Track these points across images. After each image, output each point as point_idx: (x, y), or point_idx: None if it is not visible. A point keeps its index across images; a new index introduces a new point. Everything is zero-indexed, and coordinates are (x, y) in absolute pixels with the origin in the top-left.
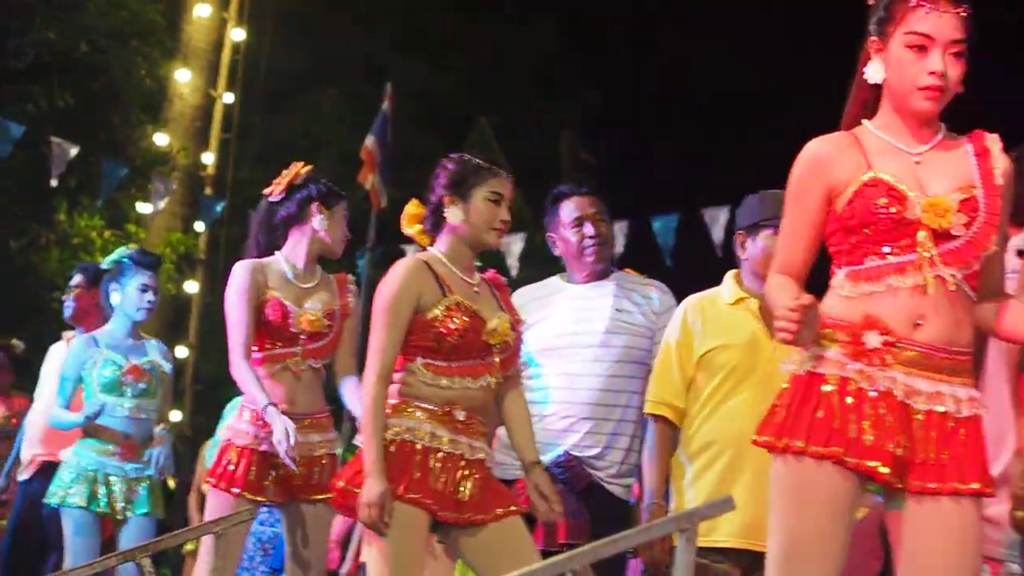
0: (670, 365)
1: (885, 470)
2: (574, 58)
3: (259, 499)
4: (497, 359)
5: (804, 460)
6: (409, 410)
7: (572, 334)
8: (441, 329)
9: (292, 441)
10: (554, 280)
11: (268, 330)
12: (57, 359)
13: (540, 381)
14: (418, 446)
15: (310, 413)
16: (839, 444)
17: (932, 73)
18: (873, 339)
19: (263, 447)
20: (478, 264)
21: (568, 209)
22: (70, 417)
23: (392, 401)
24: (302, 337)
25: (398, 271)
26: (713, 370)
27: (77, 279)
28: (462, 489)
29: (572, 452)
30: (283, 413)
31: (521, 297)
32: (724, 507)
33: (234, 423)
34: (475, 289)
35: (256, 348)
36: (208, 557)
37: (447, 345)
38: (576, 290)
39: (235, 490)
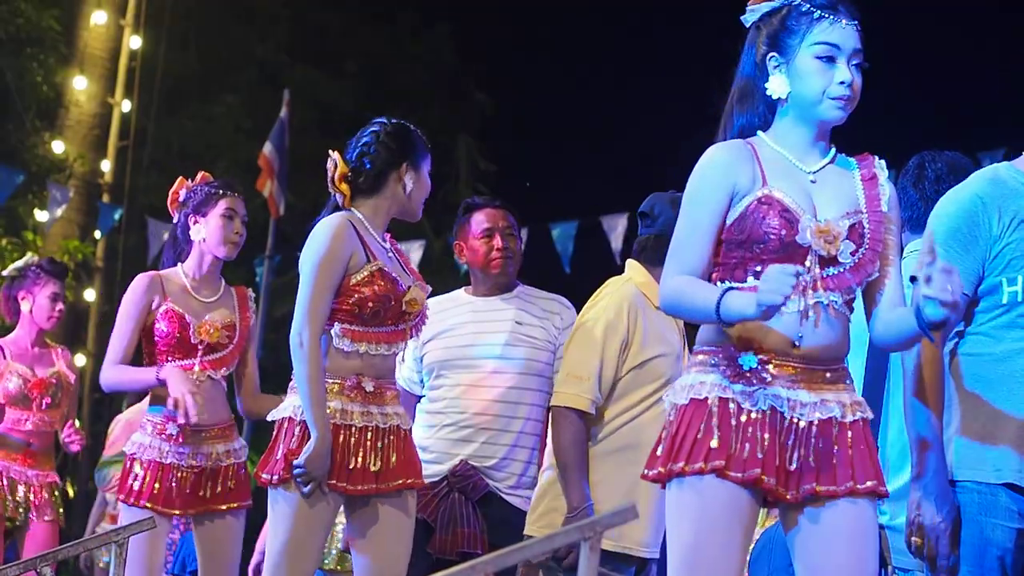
0: (601, 360)
1: (770, 480)
2: (470, 65)
3: (170, 512)
4: (409, 326)
5: (688, 480)
6: None
7: (472, 345)
8: (364, 294)
9: (191, 401)
10: (459, 293)
11: (166, 342)
12: None
13: (441, 392)
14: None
15: (214, 424)
16: (720, 459)
17: (842, 83)
18: (749, 360)
19: (168, 460)
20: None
21: (478, 220)
22: None
23: None
24: (200, 348)
25: (330, 230)
26: (648, 378)
27: None
28: (378, 462)
29: (469, 462)
30: (184, 426)
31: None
32: (627, 515)
33: (138, 437)
34: (389, 254)
35: (158, 360)
36: (112, 568)
37: (368, 312)
38: (479, 302)
39: (143, 503)
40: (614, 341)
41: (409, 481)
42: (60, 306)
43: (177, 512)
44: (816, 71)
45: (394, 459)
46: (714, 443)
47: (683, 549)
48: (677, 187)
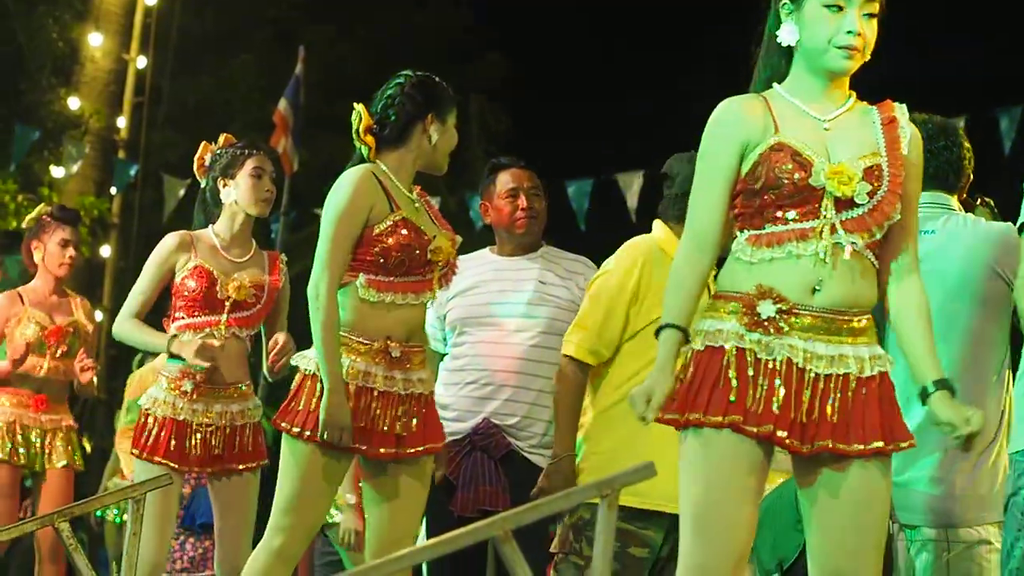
0: (612, 314)
1: (783, 433)
2: (484, 23)
3: (183, 468)
4: (436, 276)
5: (706, 431)
6: (343, 346)
7: (496, 304)
8: (388, 243)
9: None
10: (484, 252)
11: (193, 298)
12: None
13: (463, 350)
14: (351, 387)
15: (233, 383)
16: (737, 413)
17: (849, 32)
18: (767, 308)
19: (181, 416)
20: None
21: (504, 180)
22: None
23: None
24: (227, 304)
25: (350, 182)
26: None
27: None
28: (398, 427)
29: (492, 420)
30: (204, 382)
31: None
32: (645, 473)
33: (153, 392)
34: (415, 204)
35: (183, 315)
36: (129, 524)
37: (392, 261)
38: (503, 261)
39: (157, 459)
40: (623, 295)
41: (428, 447)
42: (71, 252)
43: (193, 469)
44: (823, 19)
45: (415, 425)
46: (732, 396)
47: (695, 499)
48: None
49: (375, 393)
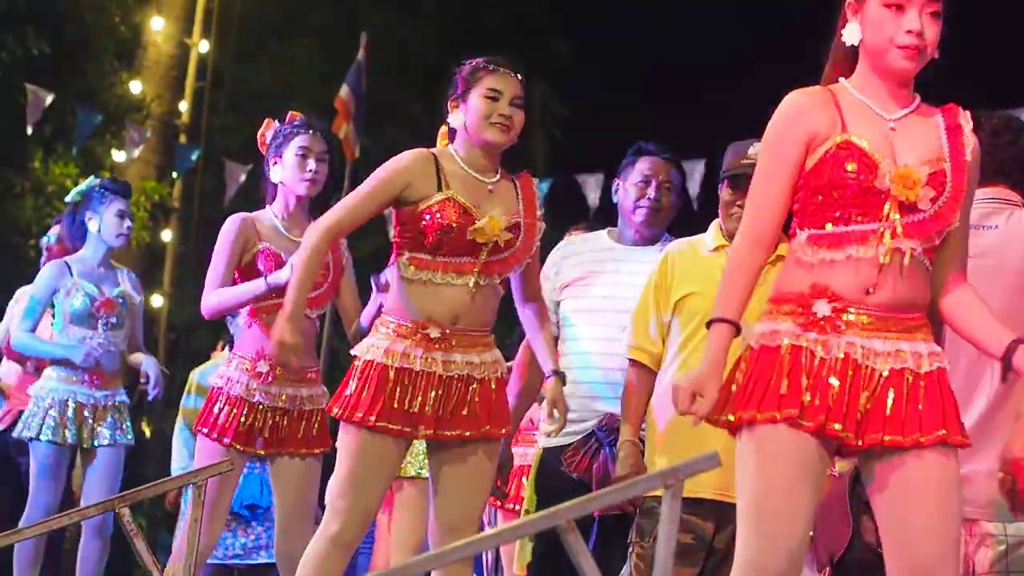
0: (647, 309)
1: (838, 427)
2: (548, 7)
3: (248, 451)
4: (482, 259)
5: (760, 428)
6: (382, 328)
7: (614, 297)
8: (426, 222)
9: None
10: (601, 236)
11: None
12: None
13: (577, 345)
14: (390, 370)
15: (302, 367)
16: (792, 407)
17: (910, 32)
18: (823, 307)
19: (255, 399)
20: None
21: (641, 167)
22: (41, 346)
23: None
24: None
25: (399, 157)
26: (687, 316)
27: (58, 230)
28: (439, 408)
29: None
30: (279, 365)
31: (560, 251)
32: (710, 463)
33: (225, 371)
34: (488, 188)
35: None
36: (190, 509)
37: (432, 239)
38: (620, 251)
39: (226, 440)
40: (654, 290)
41: (481, 432)
42: (128, 223)
43: (258, 452)
44: (884, 19)
45: (464, 408)
46: (784, 390)
47: (752, 494)
48: (758, 135)
49: (413, 373)
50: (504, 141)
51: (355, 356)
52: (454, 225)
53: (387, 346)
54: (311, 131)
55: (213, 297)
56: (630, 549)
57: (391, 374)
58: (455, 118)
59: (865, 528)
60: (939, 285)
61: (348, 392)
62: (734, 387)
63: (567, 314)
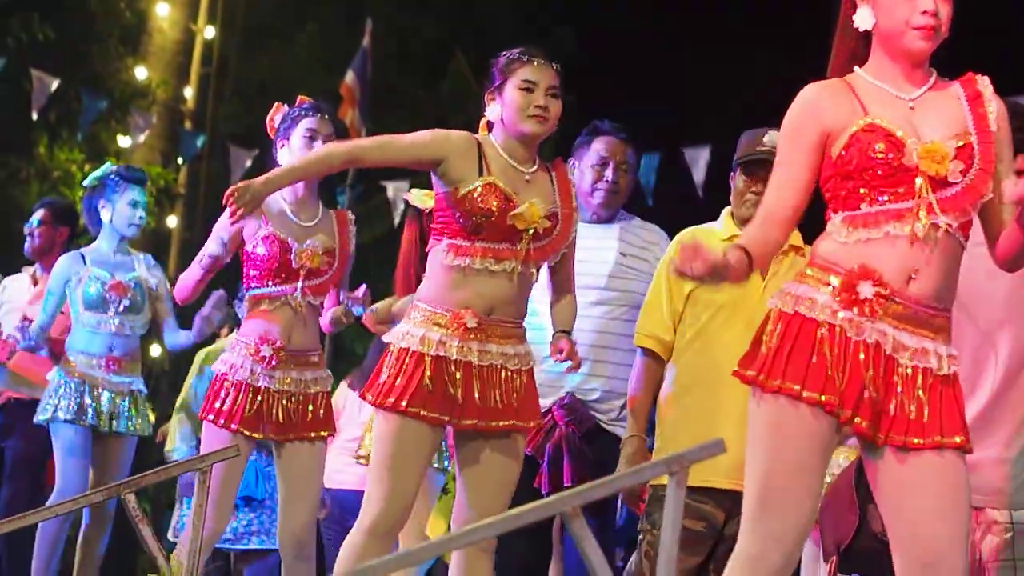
0: (660, 298)
1: (863, 423)
2: None
3: (255, 436)
4: (525, 246)
5: (786, 401)
6: (418, 316)
7: (576, 275)
8: (466, 207)
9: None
10: None
11: (268, 266)
12: (13, 290)
13: (539, 319)
14: (426, 358)
15: (305, 351)
16: (833, 394)
17: (925, 12)
18: (867, 289)
19: (260, 383)
20: None
21: (597, 147)
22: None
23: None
24: (302, 272)
25: (448, 131)
26: (702, 306)
27: (41, 214)
28: (476, 397)
29: (575, 395)
30: (279, 349)
31: None
32: (714, 450)
33: (229, 357)
34: (526, 178)
35: (256, 284)
36: (196, 495)
37: (470, 223)
38: (582, 229)
39: (233, 426)
40: (665, 279)
41: (514, 423)
42: (141, 213)
43: (263, 436)
44: (898, 1)
45: (497, 398)
46: (813, 369)
47: (762, 469)
48: (759, 122)
49: (450, 362)
50: (542, 132)
51: (387, 343)
52: (495, 210)
53: (423, 334)
54: (318, 114)
55: (188, 272)
56: (640, 536)
57: (428, 360)
58: (492, 110)
59: (872, 516)
60: (992, 239)
61: (382, 379)
62: (763, 348)
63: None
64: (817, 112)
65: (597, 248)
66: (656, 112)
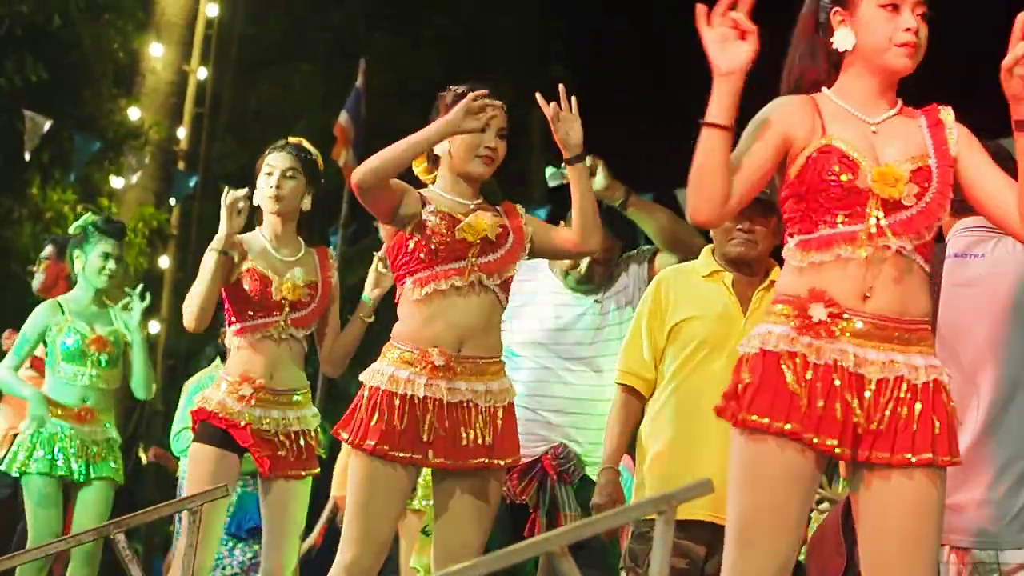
0: (640, 336)
1: (837, 448)
2: (548, 33)
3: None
4: (474, 258)
5: (763, 436)
6: (390, 355)
7: (555, 330)
8: (426, 232)
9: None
10: (540, 262)
11: (249, 300)
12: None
13: (523, 375)
14: (395, 397)
15: (292, 389)
16: (797, 421)
17: (908, 30)
18: (819, 312)
19: (243, 423)
20: None
21: None
22: (20, 389)
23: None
24: (284, 305)
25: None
26: (683, 342)
27: (48, 251)
28: (434, 434)
29: (566, 444)
30: (262, 388)
31: None
32: (702, 490)
33: (210, 394)
34: (471, 207)
35: (237, 319)
36: (185, 535)
37: (430, 249)
38: (558, 285)
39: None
40: (640, 319)
41: (483, 461)
42: (112, 265)
43: (244, 475)
44: (881, 19)
45: (468, 436)
46: (778, 400)
47: (743, 505)
48: None
49: (417, 400)
50: (486, 173)
51: (362, 383)
52: (444, 231)
53: (392, 373)
54: (280, 150)
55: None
56: (623, 574)
57: (396, 401)
58: (439, 145)
59: (859, 559)
60: (1008, 209)
61: (355, 419)
62: (740, 386)
63: (513, 344)
64: (786, 118)
65: (574, 304)
66: (650, 147)
